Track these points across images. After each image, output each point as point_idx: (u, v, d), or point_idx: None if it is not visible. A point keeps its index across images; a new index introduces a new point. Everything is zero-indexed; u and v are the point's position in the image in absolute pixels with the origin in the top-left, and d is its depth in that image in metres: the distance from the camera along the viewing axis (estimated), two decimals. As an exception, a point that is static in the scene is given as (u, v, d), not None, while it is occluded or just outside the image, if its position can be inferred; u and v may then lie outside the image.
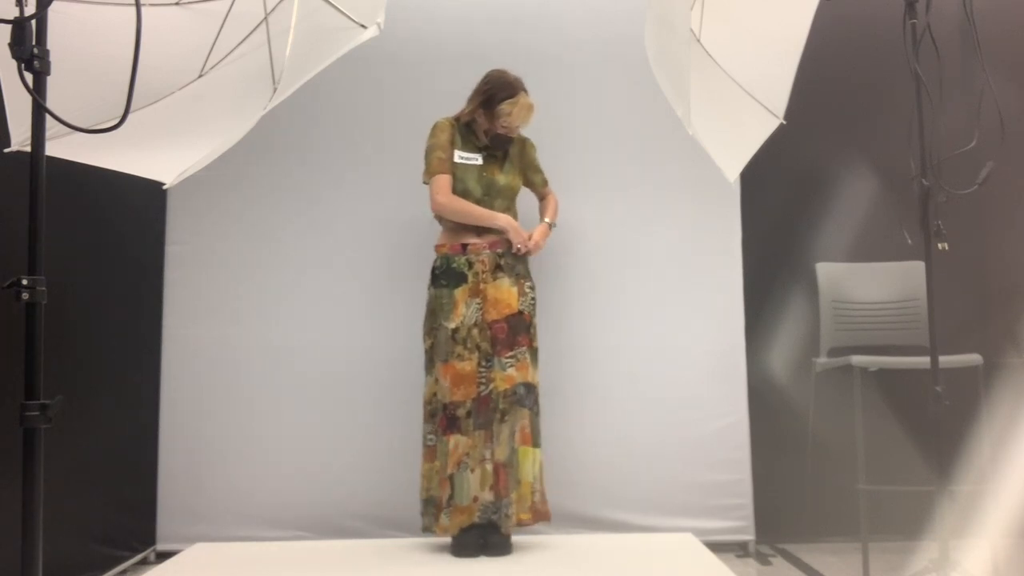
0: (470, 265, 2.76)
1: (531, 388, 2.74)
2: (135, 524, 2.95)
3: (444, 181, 2.75)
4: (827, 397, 3.07)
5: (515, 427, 2.69)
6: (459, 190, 2.78)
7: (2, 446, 1.98)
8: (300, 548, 2.90)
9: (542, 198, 3.01)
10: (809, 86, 2.68)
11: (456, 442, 2.68)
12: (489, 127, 2.78)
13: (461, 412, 2.68)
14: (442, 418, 2.70)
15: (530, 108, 2.77)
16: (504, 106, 2.73)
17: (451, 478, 2.67)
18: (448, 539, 2.76)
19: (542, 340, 2.89)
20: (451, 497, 2.68)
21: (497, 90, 2.74)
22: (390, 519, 3.02)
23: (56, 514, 2.17)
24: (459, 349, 2.69)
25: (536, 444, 2.73)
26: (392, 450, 3.03)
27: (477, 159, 2.81)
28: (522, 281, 2.80)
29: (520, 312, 2.75)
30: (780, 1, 2.55)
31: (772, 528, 3.13)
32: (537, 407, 2.76)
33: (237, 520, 3.04)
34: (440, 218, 2.86)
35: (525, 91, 2.77)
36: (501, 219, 2.77)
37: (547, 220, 2.94)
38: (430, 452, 2.75)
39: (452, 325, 2.71)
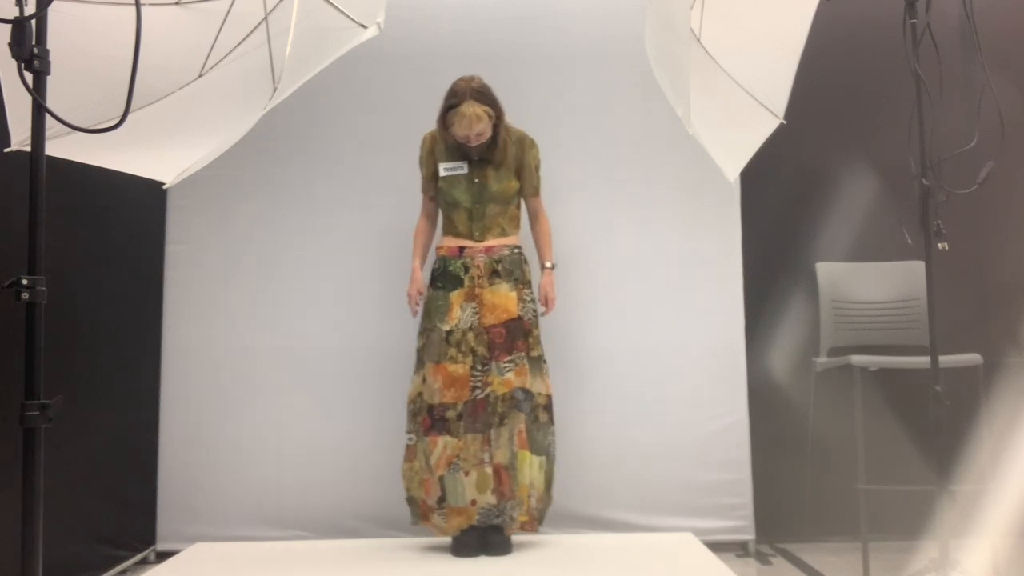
0: (466, 269, 2.76)
1: (529, 394, 2.72)
2: (135, 524, 2.95)
3: (423, 202, 2.89)
4: (827, 397, 3.07)
5: (513, 431, 2.69)
6: (449, 201, 2.79)
7: (2, 446, 1.98)
8: (300, 548, 2.91)
9: (533, 215, 2.89)
10: (809, 86, 2.68)
11: (444, 443, 2.67)
12: (447, 137, 2.76)
13: (451, 414, 2.68)
14: (425, 418, 2.70)
15: (474, 117, 2.64)
16: (449, 116, 2.68)
17: (441, 480, 2.67)
18: (448, 539, 2.76)
19: (543, 339, 2.89)
20: (443, 499, 2.68)
21: (446, 100, 2.70)
22: (390, 519, 3.02)
23: (56, 514, 2.17)
24: (452, 352, 2.69)
25: (535, 451, 2.71)
26: (392, 450, 3.02)
27: (462, 168, 2.77)
28: (521, 287, 2.78)
29: (519, 317, 2.74)
30: (780, 1, 2.55)
31: (772, 528, 3.13)
32: (536, 415, 2.72)
33: (237, 520, 3.04)
34: (443, 230, 2.86)
35: (477, 98, 2.65)
36: (414, 271, 2.83)
37: (548, 265, 2.86)
38: (410, 452, 2.75)
39: (446, 328, 2.71)
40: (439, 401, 2.68)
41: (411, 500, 2.75)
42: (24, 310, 1.42)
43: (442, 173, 2.79)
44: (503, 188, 2.79)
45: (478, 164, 2.79)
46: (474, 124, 2.65)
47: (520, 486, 2.68)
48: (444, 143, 2.81)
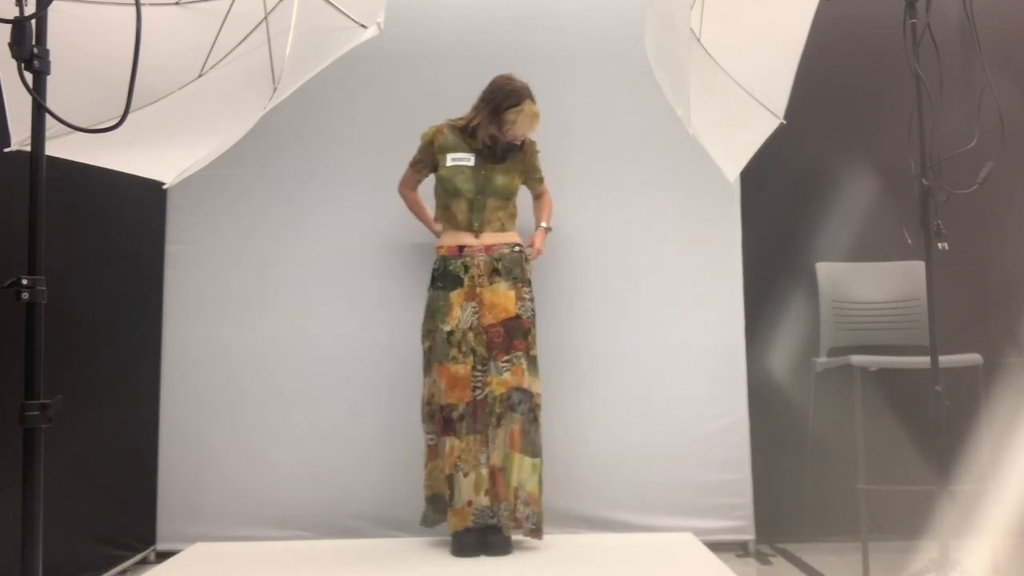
0: (466, 268, 2.76)
1: (526, 394, 2.71)
2: (135, 524, 2.95)
3: (407, 173, 2.95)
4: (827, 397, 3.07)
5: (507, 432, 2.69)
6: (449, 189, 2.79)
7: (2, 446, 1.98)
8: (300, 548, 2.91)
9: (537, 196, 3.01)
10: (809, 86, 2.68)
11: (451, 445, 2.68)
12: (496, 134, 2.77)
13: (455, 415, 2.68)
14: (440, 419, 2.71)
15: (535, 116, 2.73)
16: (509, 115, 2.71)
17: (450, 479, 2.69)
18: (448, 538, 2.76)
19: (543, 339, 2.89)
20: (451, 497, 2.69)
21: (502, 99, 2.72)
22: (390, 519, 3.02)
23: (56, 514, 2.17)
24: (454, 352, 2.69)
25: (526, 452, 2.69)
26: (392, 450, 3.03)
27: (469, 160, 2.78)
28: (520, 286, 2.78)
29: (518, 316, 2.74)
30: (780, 1, 2.55)
31: (772, 528, 3.13)
32: (533, 415, 2.72)
33: (237, 520, 3.04)
34: (440, 220, 2.87)
35: (531, 98, 2.73)
36: (434, 228, 2.93)
37: (544, 224, 2.96)
38: (432, 451, 2.75)
39: (447, 328, 2.71)
40: (445, 402, 2.68)
41: (434, 498, 2.75)
42: (24, 310, 1.42)
43: (449, 163, 2.79)
44: (507, 184, 2.81)
45: (485, 157, 2.80)
46: (534, 124, 2.75)
47: (508, 487, 2.68)
48: (454, 135, 2.81)
